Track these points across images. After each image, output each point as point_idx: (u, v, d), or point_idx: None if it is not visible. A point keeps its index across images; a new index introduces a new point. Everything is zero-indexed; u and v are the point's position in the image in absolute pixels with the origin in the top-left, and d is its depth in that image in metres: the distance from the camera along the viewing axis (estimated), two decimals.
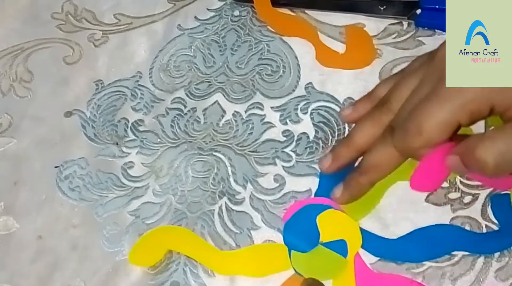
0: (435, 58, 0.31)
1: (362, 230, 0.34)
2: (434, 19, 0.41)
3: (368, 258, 0.34)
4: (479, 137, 0.28)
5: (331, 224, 0.34)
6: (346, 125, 0.39)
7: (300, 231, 0.35)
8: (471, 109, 0.28)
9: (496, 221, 0.34)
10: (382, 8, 0.43)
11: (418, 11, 0.42)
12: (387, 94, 0.34)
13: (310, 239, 0.34)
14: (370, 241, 0.34)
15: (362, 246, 0.34)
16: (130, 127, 0.41)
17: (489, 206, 0.35)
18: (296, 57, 0.42)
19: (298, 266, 0.34)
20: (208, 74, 0.42)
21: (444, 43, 0.30)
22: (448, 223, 0.34)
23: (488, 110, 0.28)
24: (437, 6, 0.41)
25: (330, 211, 0.35)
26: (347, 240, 0.34)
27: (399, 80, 0.33)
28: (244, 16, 0.45)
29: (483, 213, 0.34)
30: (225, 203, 0.37)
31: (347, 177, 0.34)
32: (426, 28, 0.42)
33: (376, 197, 0.36)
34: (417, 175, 0.30)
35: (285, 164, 0.38)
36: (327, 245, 0.34)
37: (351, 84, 0.40)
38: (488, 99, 0.27)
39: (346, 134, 0.38)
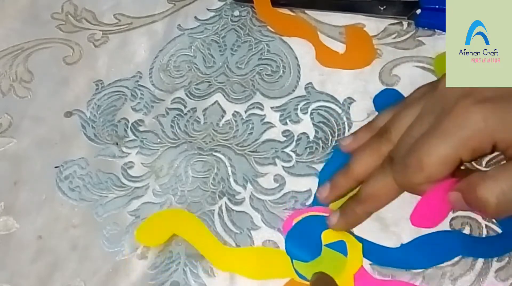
0: (437, 88, 0.31)
1: (363, 239, 0.34)
2: (434, 19, 0.41)
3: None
4: (481, 175, 0.28)
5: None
6: (346, 125, 0.39)
7: (302, 242, 0.35)
8: (473, 146, 0.27)
9: (496, 222, 0.34)
10: (382, 8, 0.43)
11: (418, 11, 0.42)
12: (386, 123, 0.34)
13: (312, 249, 0.34)
14: (372, 250, 0.34)
15: (364, 256, 0.34)
16: (130, 127, 0.41)
17: None
18: (296, 57, 0.42)
19: (300, 268, 0.34)
20: (208, 74, 0.42)
21: (444, 75, 0.30)
22: (448, 223, 0.34)
23: (490, 147, 0.28)
24: (437, 6, 0.41)
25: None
26: (348, 260, 0.34)
27: (399, 110, 0.33)
28: (244, 16, 0.45)
29: None
30: (225, 203, 0.37)
31: (343, 204, 0.34)
32: (426, 28, 0.42)
33: None
34: (417, 211, 0.31)
35: (285, 164, 0.38)
36: (328, 245, 0.34)
37: (351, 84, 0.40)
38: (490, 136, 0.27)
39: (346, 134, 0.38)
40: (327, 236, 0.34)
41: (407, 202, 0.35)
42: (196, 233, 0.36)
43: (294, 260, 0.34)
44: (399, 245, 0.34)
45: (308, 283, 0.33)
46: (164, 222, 0.37)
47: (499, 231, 0.34)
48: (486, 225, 0.34)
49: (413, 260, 0.34)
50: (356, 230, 0.35)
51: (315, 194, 0.36)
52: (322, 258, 0.34)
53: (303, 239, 0.35)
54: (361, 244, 0.34)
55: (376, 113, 0.38)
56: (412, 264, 0.34)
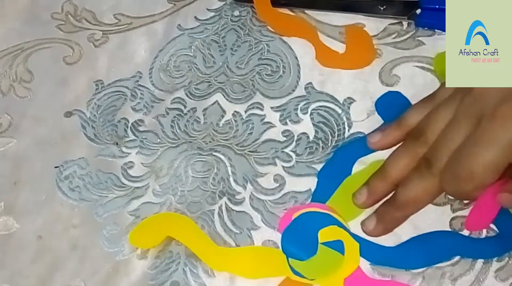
0: (472, 90, 0.31)
1: (360, 238, 0.34)
2: (434, 19, 0.41)
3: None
4: None
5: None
6: (346, 125, 0.39)
7: (298, 240, 0.34)
8: None
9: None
10: (382, 8, 0.43)
11: (418, 11, 0.42)
12: (421, 125, 0.34)
13: (308, 247, 0.34)
14: (369, 249, 0.34)
15: (361, 255, 0.34)
16: (130, 127, 0.41)
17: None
18: (296, 57, 0.42)
19: (296, 266, 0.34)
20: (208, 74, 0.42)
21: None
22: (448, 223, 0.34)
23: None
24: (437, 6, 0.41)
25: (333, 228, 0.34)
26: (345, 258, 0.34)
27: (432, 110, 0.33)
28: (244, 16, 0.45)
29: None
30: (225, 203, 0.37)
31: (380, 209, 0.34)
32: (426, 28, 0.42)
33: None
34: (472, 216, 0.32)
35: (285, 164, 0.38)
36: (324, 244, 0.34)
37: (351, 84, 0.40)
38: None
39: (345, 134, 0.38)
40: (325, 235, 0.34)
41: None
42: (190, 235, 0.36)
43: (289, 258, 0.34)
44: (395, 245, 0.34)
45: (303, 280, 0.33)
46: (158, 225, 0.37)
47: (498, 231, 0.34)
48: None
49: (410, 260, 0.34)
50: (355, 229, 0.35)
51: (313, 192, 0.36)
52: (318, 256, 0.34)
53: (299, 237, 0.35)
54: (358, 244, 0.34)
55: (377, 115, 0.38)
56: (409, 263, 0.34)
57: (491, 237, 0.34)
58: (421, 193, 0.32)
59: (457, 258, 0.33)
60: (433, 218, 0.34)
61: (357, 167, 0.37)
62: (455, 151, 0.30)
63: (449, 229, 0.34)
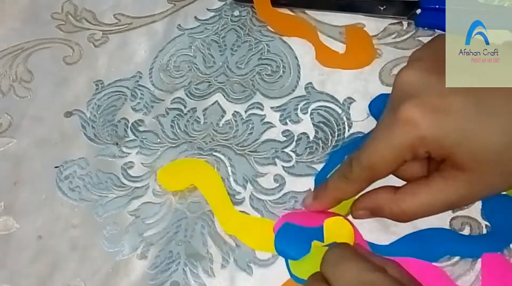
0: (395, 81, 0.31)
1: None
2: (434, 19, 0.41)
3: None
4: (390, 194, 0.31)
5: (337, 230, 0.34)
6: (346, 125, 0.39)
7: (291, 240, 0.34)
8: (412, 150, 0.29)
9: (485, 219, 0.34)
10: (382, 8, 0.43)
11: (418, 11, 0.42)
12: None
13: (300, 247, 0.34)
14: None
15: None
16: (130, 127, 0.41)
17: (481, 208, 0.35)
18: (296, 57, 0.42)
19: (293, 268, 0.34)
20: (208, 74, 0.42)
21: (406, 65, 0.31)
22: (448, 223, 0.34)
23: (425, 154, 0.29)
24: (437, 6, 0.41)
25: (339, 219, 0.34)
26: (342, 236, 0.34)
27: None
28: (244, 16, 0.45)
29: (483, 213, 0.34)
30: None
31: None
32: (426, 28, 0.42)
33: None
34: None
35: (285, 164, 0.38)
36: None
37: (351, 84, 0.40)
38: (424, 145, 0.28)
39: (345, 134, 0.38)
40: (330, 226, 0.34)
41: None
42: (212, 189, 0.37)
43: (289, 261, 0.34)
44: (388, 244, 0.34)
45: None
46: (187, 169, 0.38)
47: None
48: (486, 225, 0.34)
49: (400, 252, 0.33)
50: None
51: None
52: (313, 255, 0.33)
53: (291, 237, 0.34)
54: (351, 226, 0.34)
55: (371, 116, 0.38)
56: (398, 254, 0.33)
57: (484, 234, 0.34)
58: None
59: (457, 258, 0.33)
60: (433, 218, 0.34)
61: None
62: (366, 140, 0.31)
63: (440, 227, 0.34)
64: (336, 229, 0.34)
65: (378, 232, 0.35)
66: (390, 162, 0.30)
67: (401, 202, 0.30)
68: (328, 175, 0.34)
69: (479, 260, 0.33)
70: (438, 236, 0.34)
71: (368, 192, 0.33)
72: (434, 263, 0.33)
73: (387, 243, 0.34)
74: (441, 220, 0.34)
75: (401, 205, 0.30)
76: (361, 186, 0.32)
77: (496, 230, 0.34)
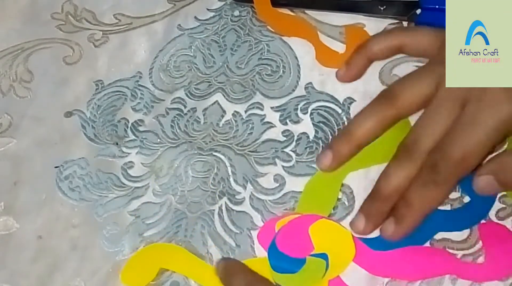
0: None
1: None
2: (434, 19, 0.41)
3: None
4: None
5: (324, 234, 0.34)
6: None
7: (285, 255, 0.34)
8: (505, 131, 0.29)
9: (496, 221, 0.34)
10: (382, 8, 0.42)
11: (418, 11, 0.42)
12: (394, 87, 0.33)
13: (297, 259, 0.34)
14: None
15: None
16: (130, 127, 0.41)
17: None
18: (296, 57, 0.42)
19: (280, 280, 0.33)
20: (208, 74, 0.42)
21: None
22: None
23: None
24: (437, 6, 0.41)
25: (322, 222, 0.34)
26: (340, 250, 0.33)
27: (409, 75, 0.33)
28: (244, 16, 0.45)
29: None
30: (225, 203, 0.37)
31: (365, 206, 0.33)
32: None
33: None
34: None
35: (285, 164, 0.38)
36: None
37: (351, 84, 0.40)
38: None
39: None
40: (316, 230, 0.34)
41: None
42: (183, 262, 0.35)
43: (273, 273, 0.33)
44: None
45: None
46: (148, 259, 0.36)
47: None
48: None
49: (397, 245, 0.33)
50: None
51: None
52: (305, 268, 0.33)
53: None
54: (350, 232, 0.33)
55: None
56: (392, 246, 0.33)
57: (464, 206, 0.34)
58: (403, 181, 0.31)
59: (460, 255, 0.33)
60: None
61: None
62: (445, 135, 0.30)
63: None
64: (325, 232, 0.34)
65: (377, 232, 0.34)
66: (484, 149, 0.29)
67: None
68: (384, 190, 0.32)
69: (479, 260, 0.33)
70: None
71: (489, 158, 0.31)
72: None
73: (375, 235, 0.34)
74: None
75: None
76: (451, 187, 0.31)
77: (475, 200, 0.34)
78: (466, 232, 0.34)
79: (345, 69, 0.38)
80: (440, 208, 0.34)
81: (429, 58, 0.35)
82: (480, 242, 0.33)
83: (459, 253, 0.33)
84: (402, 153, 0.32)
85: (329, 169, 0.34)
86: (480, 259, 0.33)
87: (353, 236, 0.34)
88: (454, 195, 0.35)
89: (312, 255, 0.34)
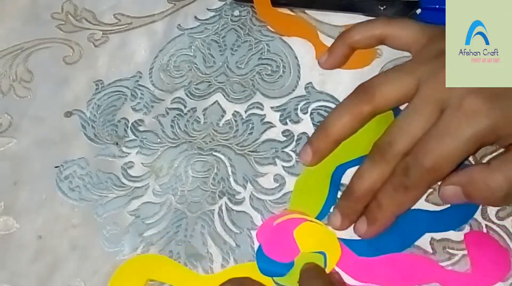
0: (438, 77, 0.30)
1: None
2: (435, 19, 0.41)
3: None
4: (484, 168, 0.29)
5: (309, 236, 0.34)
6: None
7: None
8: (481, 141, 0.28)
9: (496, 221, 0.34)
10: (382, 8, 0.42)
11: (418, 11, 0.42)
12: (370, 82, 0.33)
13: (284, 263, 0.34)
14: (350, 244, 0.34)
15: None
16: (130, 127, 0.41)
17: None
18: (296, 57, 0.42)
19: (280, 280, 0.34)
20: (208, 74, 0.42)
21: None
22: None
23: (493, 141, 0.29)
24: (437, 6, 0.41)
25: (306, 224, 0.34)
26: (326, 251, 0.33)
27: (387, 71, 0.33)
28: (244, 16, 0.45)
29: (483, 212, 0.34)
30: (225, 203, 0.37)
31: (340, 204, 0.34)
32: None
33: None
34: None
35: (285, 164, 0.38)
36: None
37: (351, 84, 0.40)
38: (495, 131, 0.28)
39: None
40: (300, 233, 0.34)
41: None
42: (171, 273, 0.35)
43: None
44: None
45: None
46: (137, 269, 0.35)
47: (496, 229, 0.34)
48: (486, 225, 0.34)
49: (384, 246, 0.33)
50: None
51: None
52: (297, 267, 0.33)
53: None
54: (335, 233, 0.34)
55: None
56: (384, 249, 0.33)
57: (452, 206, 0.34)
58: (376, 182, 0.31)
59: (457, 257, 0.33)
60: None
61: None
62: (419, 140, 0.30)
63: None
64: (310, 235, 0.34)
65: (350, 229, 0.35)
66: (457, 159, 0.29)
67: (497, 174, 0.29)
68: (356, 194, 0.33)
69: None
70: (411, 219, 0.34)
71: (458, 169, 0.31)
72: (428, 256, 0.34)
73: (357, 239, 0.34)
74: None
75: (496, 179, 0.29)
76: (422, 193, 0.31)
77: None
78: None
79: (327, 56, 0.38)
80: (429, 208, 0.34)
81: (411, 53, 0.35)
82: None
83: (459, 253, 0.33)
84: (376, 153, 0.32)
85: (311, 164, 0.35)
86: None
87: (339, 241, 0.34)
88: None
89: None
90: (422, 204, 0.35)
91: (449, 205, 0.34)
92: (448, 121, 0.29)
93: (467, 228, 0.34)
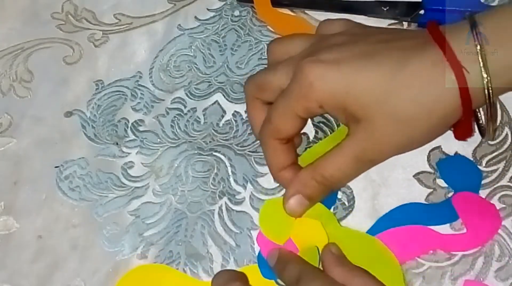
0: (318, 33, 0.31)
1: None
2: (438, 20, 0.41)
3: None
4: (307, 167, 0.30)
5: (302, 231, 0.34)
6: None
7: None
8: (304, 105, 0.28)
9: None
10: (385, 9, 0.42)
11: (421, 12, 0.42)
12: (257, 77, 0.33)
13: None
14: None
15: None
16: (130, 127, 0.41)
17: (437, 172, 0.36)
18: None
19: None
20: (208, 74, 0.42)
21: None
22: (449, 226, 0.34)
23: (318, 108, 0.28)
24: (440, 7, 0.41)
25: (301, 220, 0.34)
26: (315, 238, 0.34)
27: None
28: (244, 16, 0.45)
29: None
30: (225, 203, 0.37)
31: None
32: None
33: None
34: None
35: None
36: None
37: None
38: (317, 98, 0.28)
39: None
40: (297, 229, 0.34)
41: (407, 201, 0.35)
42: (173, 282, 0.35)
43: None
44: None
45: None
46: (139, 279, 0.35)
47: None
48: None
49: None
50: None
51: None
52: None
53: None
54: (319, 222, 0.34)
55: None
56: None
57: (444, 202, 0.35)
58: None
59: (457, 257, 0.33)
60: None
61: None
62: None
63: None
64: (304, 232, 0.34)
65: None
66: (286, 115, 0.29)
67: (320, 169, 0.29)
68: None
69: (479, 260, 0.33)
70: (405, 213, 0.34)
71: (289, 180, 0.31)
72: (434, 261, 0.34)
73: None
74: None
75: (322, 172, 0.29)
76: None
77: (457, 190, 0.35)
78: None
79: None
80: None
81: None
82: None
83: (459, 254, 0.34)
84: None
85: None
86: (480, 259, 0.33)
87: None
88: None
89: None
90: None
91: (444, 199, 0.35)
92: (288, 87, 0.29)
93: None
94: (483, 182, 0.35)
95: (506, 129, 0.37)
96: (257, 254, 0.35)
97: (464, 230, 0.34)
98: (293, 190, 0.30)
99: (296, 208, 0.30)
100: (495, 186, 0.35)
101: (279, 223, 0.34)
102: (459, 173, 0.36)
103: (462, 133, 0.28)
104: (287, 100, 0.29)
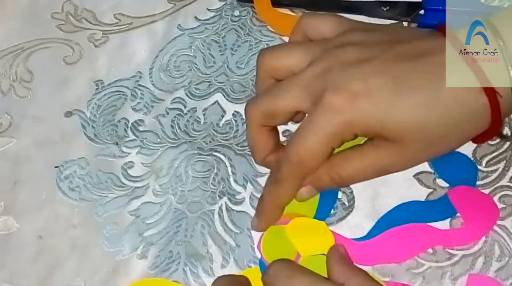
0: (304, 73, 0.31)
1: None
2: (438, 20, 0.41)
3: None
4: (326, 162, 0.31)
5: (301, 233, 0.34)
6: None
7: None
8: (341, 137, 0.29)
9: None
10: (385, 9, 0.42)
11: (422, 12, 0.42)
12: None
13: None
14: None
15: None
16: (130, 127, 0.41)
17: (434, 172, 0.36)
18: None
19: None
20: (208, 74, 0.42)
21: None
22: (449, 223, 0.35)
23: (353, 136, 0.30)
24: (440, 7, 0.41)
25: (294, 221, 0.34)
26: (321, 241, 0.34)
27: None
28: (244, 16, 0.45)
29: None
30: (225, 203, 0.37)
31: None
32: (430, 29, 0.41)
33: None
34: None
35: None
36: None
37: None
38: (351, 128, 0.29)
39: None
40: (292, 229, 0.34)
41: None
42: None
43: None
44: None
45: None
46: None
47: (497, 229, 0.34)
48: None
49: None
50: None
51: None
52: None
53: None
54: (324, 223, 0.35)
55: None
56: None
57: (442, 198, 0.35)
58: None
59: (457, 257, 0.33)
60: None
61: None
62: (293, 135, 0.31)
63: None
64: (301, 231, 0.34)
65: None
66: (320, 153, 0.30)
67: (338, 169, 0.31)
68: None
69: (479, 259, 0.33)
70: (404, 211, 0.35)
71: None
72: (434, 261, 0.34)
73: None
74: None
75: (339, 172, 0.31)
76: (294, 184, 0.32)
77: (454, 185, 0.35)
78: None
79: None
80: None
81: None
82: (480, 242, 0.34)
83: (459, 253, 0.34)
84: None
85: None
86: (480, 259, 0.33)
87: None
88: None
89: None
90: None
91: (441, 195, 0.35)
92: (310, 116, 0.30)
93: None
94: (483, 182, 0.35)
95: (506, 129, 0.37)
96: (257, 254, 0.35)
97: (463, 224, 0.34)
98: (307, 182, 0.32)
99: (305, 196, 0.32)
100: (495, 186, 0.35)
101: (282, 252, 0.34)
102: (454, 168, 0.36)
103: (482, 140, 0.30)
104: (320, 137, 0.29)
